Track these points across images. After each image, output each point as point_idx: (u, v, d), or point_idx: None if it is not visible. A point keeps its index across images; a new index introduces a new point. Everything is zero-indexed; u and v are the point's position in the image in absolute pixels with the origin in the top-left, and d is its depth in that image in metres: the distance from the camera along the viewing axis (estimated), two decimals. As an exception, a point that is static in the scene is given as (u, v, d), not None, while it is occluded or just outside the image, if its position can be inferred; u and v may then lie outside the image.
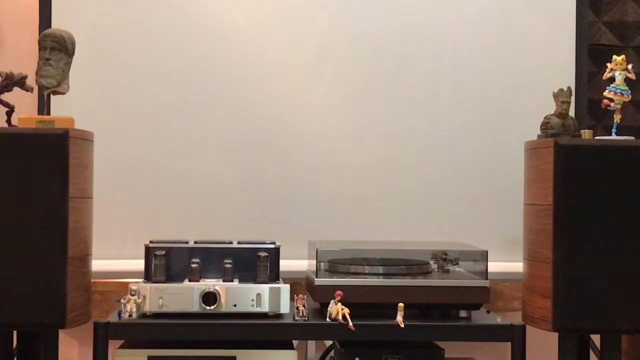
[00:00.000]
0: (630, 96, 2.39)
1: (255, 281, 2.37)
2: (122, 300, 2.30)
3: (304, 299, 2.36)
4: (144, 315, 2.31)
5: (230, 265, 2.37)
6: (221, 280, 2.36)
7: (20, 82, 2.33)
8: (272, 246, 2.43)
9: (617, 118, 2.38)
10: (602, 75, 2.44)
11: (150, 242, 2.42)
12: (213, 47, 2.88)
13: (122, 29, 2.86)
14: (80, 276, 2.27)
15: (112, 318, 2.30)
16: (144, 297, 2.30)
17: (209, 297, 2.30)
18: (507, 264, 2.76)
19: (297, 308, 2.33)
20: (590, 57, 3.02)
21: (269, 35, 2.90)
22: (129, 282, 2.37)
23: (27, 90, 2.35)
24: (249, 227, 2.85)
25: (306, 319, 2.31)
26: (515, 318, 2.46)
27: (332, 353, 2.57)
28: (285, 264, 2.47)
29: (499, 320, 2.39)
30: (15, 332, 2.37)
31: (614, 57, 2.40)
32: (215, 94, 2.88)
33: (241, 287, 2.33)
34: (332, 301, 2.29)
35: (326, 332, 2.35)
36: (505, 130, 2.91)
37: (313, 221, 2.88)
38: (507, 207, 2.79)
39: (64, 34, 2.34)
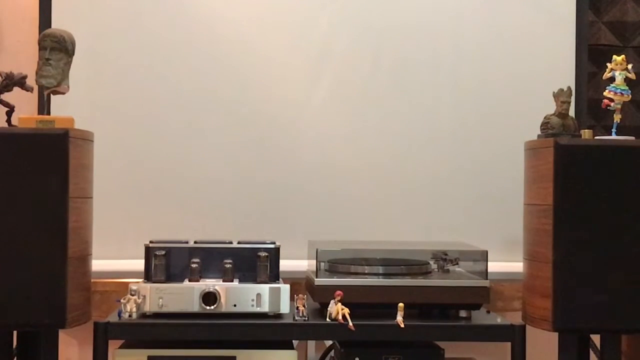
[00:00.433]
0: (630, 96, 2.39)
1: (255, 281, 2.37)
2: (122, 300, 2.29)
3: (304, 299, 2.36)
4: (144, 315, 2.31)
5: (230, 265, 2.37)
6: (221, 280, 2.35)
7: (20, 82, 2.33)
8: (272, 246, 2.43)
9: (617, 118, 2.38)
10: (602, 75, 2.43)
11: (150, 242, 2.42)
12: (213, 47, 2.88)
13: (122, 29, 2.86)
14: (80, 276, 2.27)
15: (112, 318, 2.30)
16: (144, 297, 2.30)
17: (209, 297, 2.30)
18: (507, 264, 2.76)
19: (297, 308, 2.33)
20: (590, 57, 3.02)
21: (269, 35, 2.90)
22: (129, 282, 2.37)
23: (27, 90, 2.35)
24: (249, 227, 2.85)
25: (306, 319, 2.31)
26: (515, 318, 2.46)
27: (332, 353, 2.57)
28: (285, 264, 2.47)
29: (499, 320, 2.39)
30: (15, 332, 2.37)
31: (614, 57, 2.40)
32: (215, 93, 2.88)
33: (241, 287, 2.33)
34: (332, 301, 2.29)
35: (326, 332, 2.35)
36: (505, 130, 2.91)
37: (313, 221, 2.89)
38: (507, 207, 2.78)
39: (64, 34, 2.34)
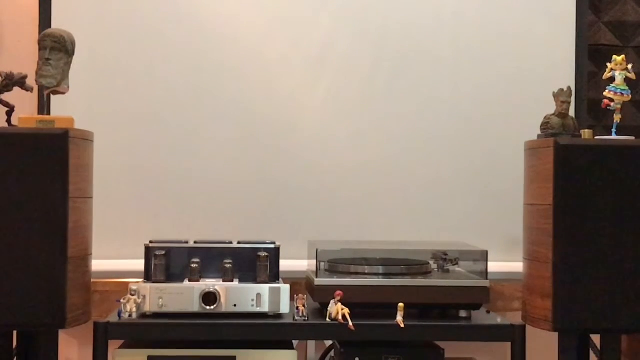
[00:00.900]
0: (630, 96, 2.39)
1: (255, 281, 2.37)
2: (122, 300, 2.29)
3: (304, 299, 2.35)
4: (144, 315, 2.31)
5: (230, 265, 2.37)
6: (221, 280, 2.35)
7: (20, 82, 2.33)
8: (272, 246, 2.43)
9: (617, 118, 2.38)
10: (602, 75, 2.44)
11: (150, 242, 2.42)
12: (213, 47, 2.88)
13: (122, 29, 2.86)
14: (80, 276, 2.27)
15: (112, 318, 2.30)
16: (144, 297, 2.29)
17: (209, 297, 2.30)
18: (507, 264, 2.76)
19: (297, 308, 2.33)
20: (590, 57, 3.02)
21: (269, 35, 2.90)
22: (129, 282, 2.37)
23: (27, 90, 2.35)
24: (249, 227, 2.85)
25: (306, 319, 2.31)
26: (515, 318, 2.46)
27: (332, 353, 2.57)
28: (285, 264, 2.47)
29: (499, 320, 2.39)
30: (15, 332, 2.37)
31: (614, 57, 2.40)
32: (215, 93, 2.88)
33: (241, 287, 2.33)
34: (332, 301, 2.29)
35: (326, 332, 2.35)
36: (505, 130, 2.91)
37: (313, 221, 2.89)
38: (507, 207, 2.78)
39: (64, 34, 2.34)
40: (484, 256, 2.45)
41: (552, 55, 2.96)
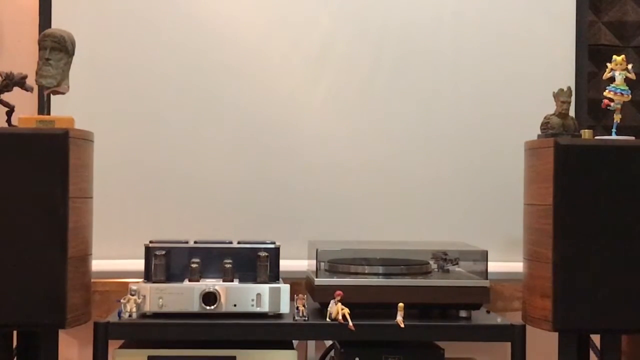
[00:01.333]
0: (630, 96, 2.39)
1: (255, 281, 2.37)
2: (122, 300, 2.29)
3: (304, 299, 2.35)
4: (144, 315, 2.31)
5: (230, 265, 2.37)
6: (221, 280, 2.35)
7: (20, 82, 2.33)
8: (272, 246, 2.43)
9: (617, 118, 2.38)
10: (602, 75, 2.44)
11: (150, 242, 2.42)
12: (213, 47, 2.88)
13: (122, 29, 2.86)
14: (80, 276, 2.27)
15: (112, 318, 2.30)
16: (144, 297, 2.30)
17: (209, 297, 2.30)
18: (507, 264, 2.76)
19: (297, 308, 2.33)
20: (590, 57, 3.02)
21: (269, 35, 2.90)
22: (129, 282, 2.37)
23: (27, 90, 2.35)
24: (249, 227, 2.85)
25: (306, 319, 2.31)
26: (515, 318, 2.46)
27: (332, 353, 2.57)
28: (285, 264, 2.47)
29: (499, 320, 2.39)
30: (15, 332, 2.37)
31: (614, 57, 2.40)
32: (214, 93, 2.88)
33: (241, 287, 2.33)
34: (332, 301, 2.29)
35: (326, 332, 2.35)
36: (505, 130, 2.91)
37: (313, 221, 2.89)
38: (507, 207, 2.78)
39: (64, 34, 2.34)
40: (483, 256, 2.45)
41: (552, 55, 2.96)
